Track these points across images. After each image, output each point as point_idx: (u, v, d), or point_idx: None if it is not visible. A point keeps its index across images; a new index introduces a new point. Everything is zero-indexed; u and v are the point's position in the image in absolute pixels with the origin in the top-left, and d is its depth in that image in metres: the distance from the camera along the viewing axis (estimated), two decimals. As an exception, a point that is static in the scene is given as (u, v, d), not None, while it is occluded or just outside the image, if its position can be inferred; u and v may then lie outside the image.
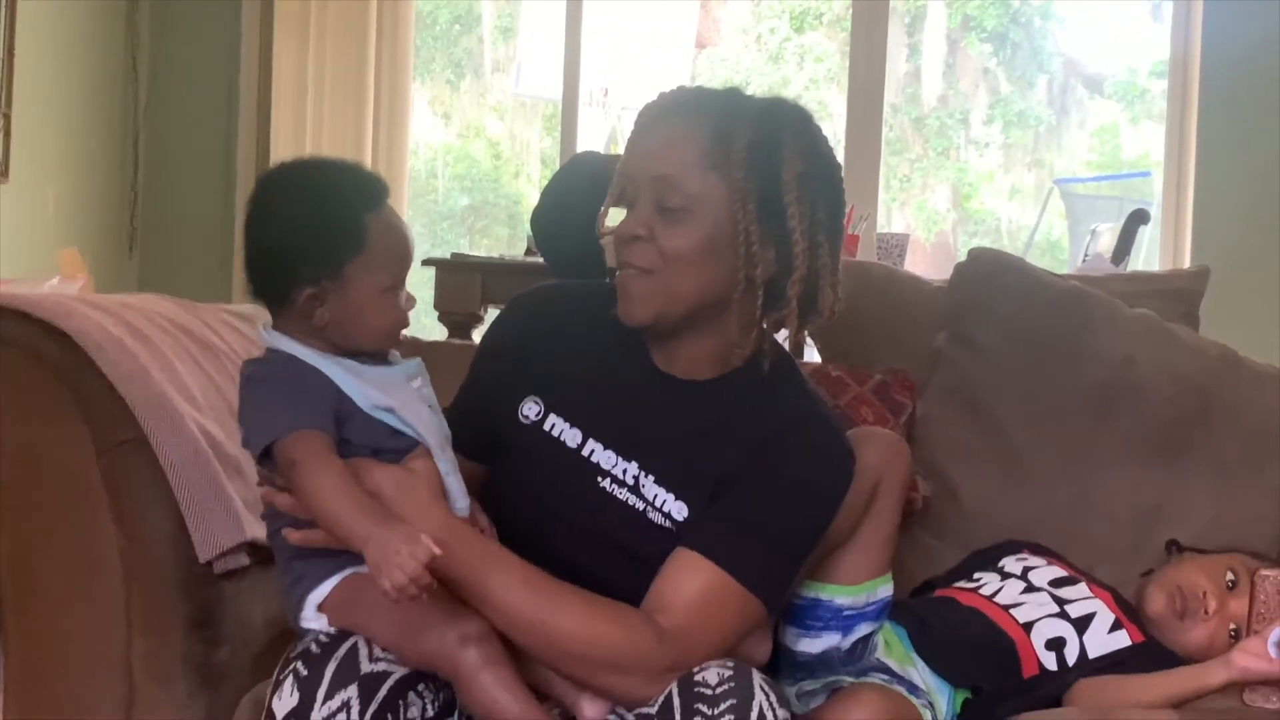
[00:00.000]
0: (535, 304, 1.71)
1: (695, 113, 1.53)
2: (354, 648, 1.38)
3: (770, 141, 1.50)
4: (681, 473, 1.55)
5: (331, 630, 1.42)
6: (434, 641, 1.38)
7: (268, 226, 1.44)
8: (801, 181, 1.50)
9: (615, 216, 1.58)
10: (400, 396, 1.45)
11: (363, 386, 1.42)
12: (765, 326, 1.56)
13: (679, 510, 1.54)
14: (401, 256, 1.47)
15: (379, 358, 1.49)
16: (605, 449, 1.58)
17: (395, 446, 1.44)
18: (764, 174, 1.49)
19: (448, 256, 3.58)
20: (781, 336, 1.60)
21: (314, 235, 1.41)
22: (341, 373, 1.42)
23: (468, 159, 5.75)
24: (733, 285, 1.50)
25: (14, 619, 1.67)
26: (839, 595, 1.75)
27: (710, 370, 1.58)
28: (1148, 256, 4.51)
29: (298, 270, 1.41)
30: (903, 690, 1.70)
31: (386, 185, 1.50)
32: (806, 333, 1.59)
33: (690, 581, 1.46)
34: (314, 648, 1.38)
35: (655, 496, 1.55)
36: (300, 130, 4.72)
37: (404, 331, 1.55)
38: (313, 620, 1.43)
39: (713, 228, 1.49)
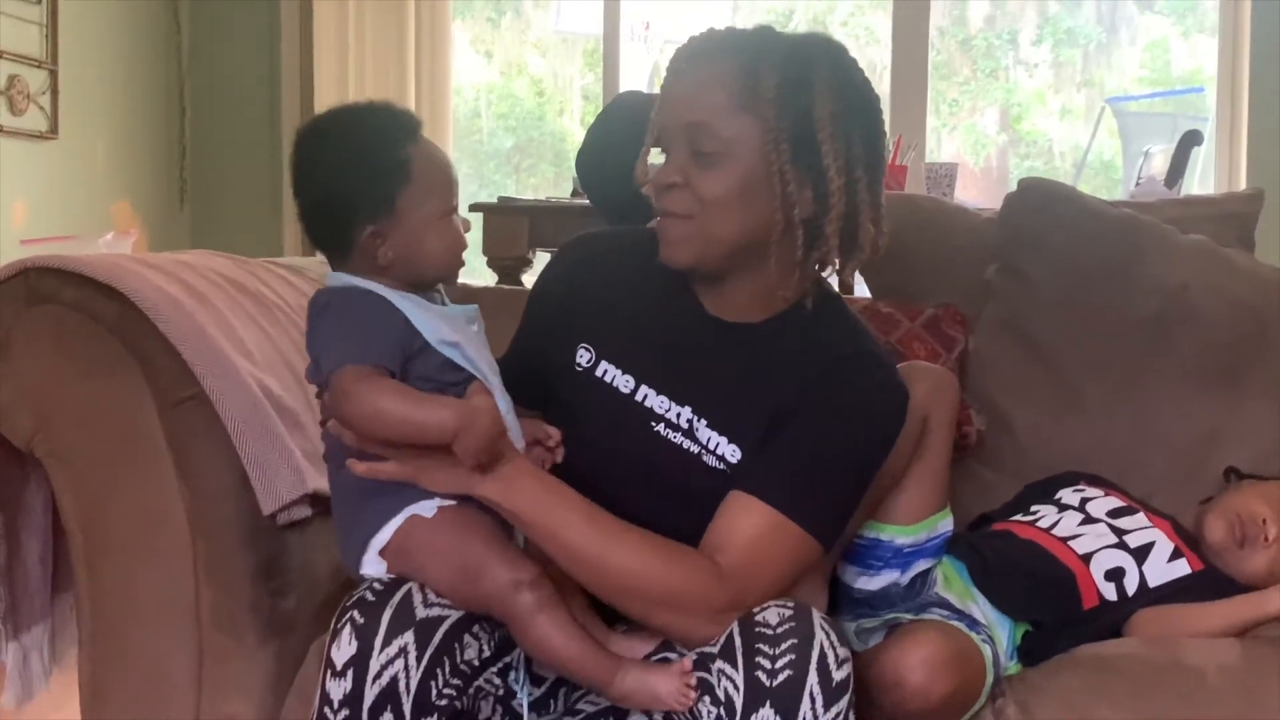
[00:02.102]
0: (582, 253, 1.71)
1: (724, 55, 1.51)
2: (409, 594, 1.40)
3: (800, 79, 1.49)
4: (734, 416, 1.56)
5: (386, 577, 1.44)
6: (489, 586, 1.40)
7: (315, 176, 1.48)
8: (835, 118, 1.49)
9: (657, 161, 1.58)
10: (464, 334, 1.48)
11: (431, 320, 1.45)
12: (808, 267, 1.55)
13: (733, 453, 1.55)
14: (447, 181, 1.51)
15: (438, 301, 1.52)
16: (658, 394, 1.59)
17: (456, 381, 1.46)
18: (796, 112, 1.48)
19: (494, 200, 3.57)
20: (832, 278, 1.60)
21: (363, 174, 1.45)
22: (411, 306, 1.45)
23: (511, 98, 5.73)
24: (771, 226, 1.50)
25: (85, 575, 1.71)
26: (899, 535, 1.76)
27: (759, 313, 1.59)
28: (1202, 176, 4.44)
29: (355, 212, 1.45)
30: (962, 626, 1.71)
31: (419, 118, 1.53)
32: (855, 270, 1.58)
33: (745, 522, 1.48)
34: (369, 595, 1.40)
35: (709, 440, 1.56)
36: (343, 75, 4.71)
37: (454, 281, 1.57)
38: (371, 566, 1.46)
39: (747, 170, 1.48)
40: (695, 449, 1.56)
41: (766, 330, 1.58)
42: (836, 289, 1.63)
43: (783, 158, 1.47)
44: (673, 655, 1.50)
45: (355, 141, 1.47)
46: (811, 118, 1.48)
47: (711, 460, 1.56)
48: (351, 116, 1.51)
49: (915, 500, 1.76)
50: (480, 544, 1.42)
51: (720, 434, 1.56)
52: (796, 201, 1.49)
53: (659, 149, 1.55)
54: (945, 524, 1.80)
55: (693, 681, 1.41)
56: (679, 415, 1.57)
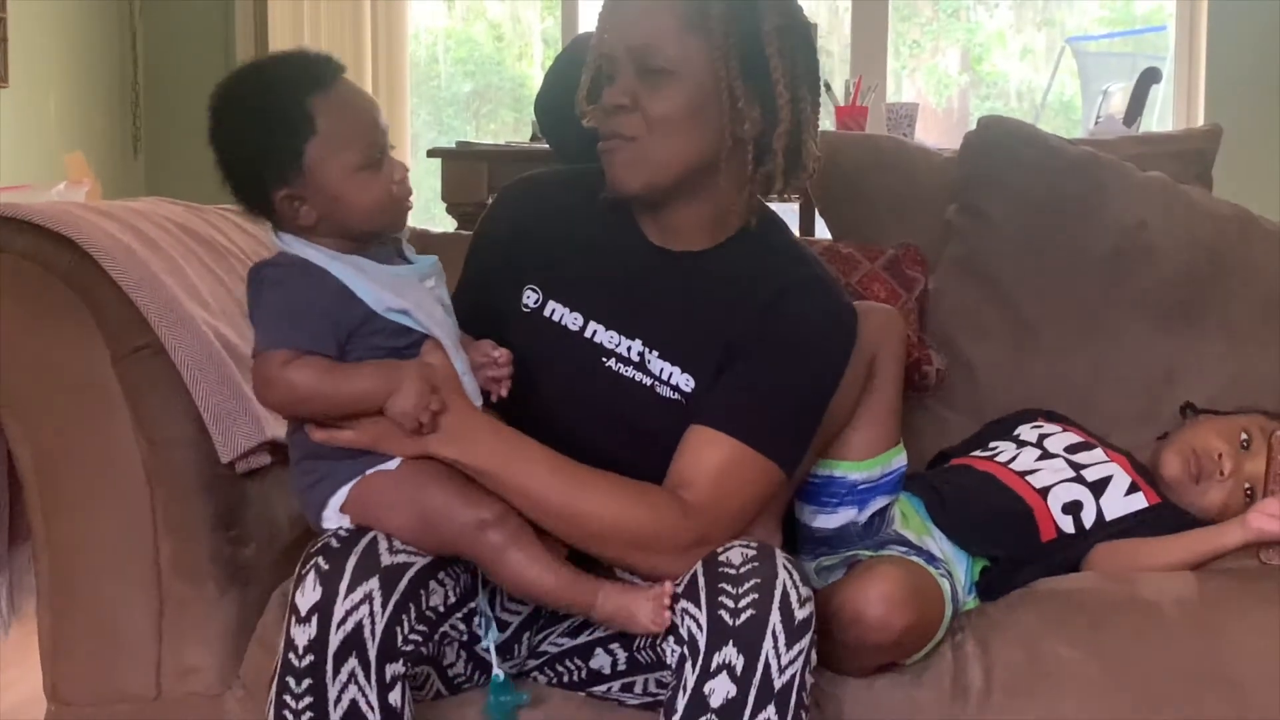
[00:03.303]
0: (522, 194, 1.70)
1: None
2: (374, 541, 1.40)
3: None
4: (686, 345, 1.56)
5: (351, 525, 1.44)
6: (453, 529, 1.40)
7: (224, 138, 1.42)
8: (780, 34, 1.51)
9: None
10: (414, 297, 1.44)
11: (375, 288, 1.41)
12: (756, 184, 1.56)
13: (686, 382, 1.56)
14: (364, 128, 1.43)
15: (393, 254, 1.48)
16: (607, 329, 1.59)
17: (408, 344, 1.44)
18: (743, 30, 1.49)
19: (453, 145, 3.54)
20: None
21: (263, 132, 1.39)
22: (353, 274, 1.41)
23: (469, 42, 5.67)
24: (720, 146, 1.51)
25: (42, 526, 1.70)
26: (852, 471, 1.76)
27: (705, 239, 1.59)
28: (1161, 114, 4.45)
29: (263, 173, 1.40)
30: (920, 561, 1.72)
31: (337, 64, 1.45)
32: (798, 187, 1.61)
33: (708, 456, 1.48)
34: (334, 542, 1.40)
35: (662, 370, 1.56)
36: (298, 20, 4.65)
37: (411, 223, 1.54)
38: (333, 520, 1.45)
39: (696, 89, 1.49)
40: (648, 381, 1.56)
41: (713, 257, 1.59)
42: (798, 216, 1.62)
43: (732, 74, 1.48)
44: None
45: (256, 97, 1.41)
46: (759, 34, 1.50)
47: (665, 391, 1.56)
48: (255, 71, 1.45)
49: (867, 436, 1.77)
50: (439, 490, 1.42)
51: (672, 364, 1.56)
52: (745, 118, 1.50)
53: (601, 82, 1.54)
54: (899, 460, 1.81)
55: (667, 602, 1.42)
56: (629, 349, 1.57)
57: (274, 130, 1.39)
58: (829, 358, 1.57)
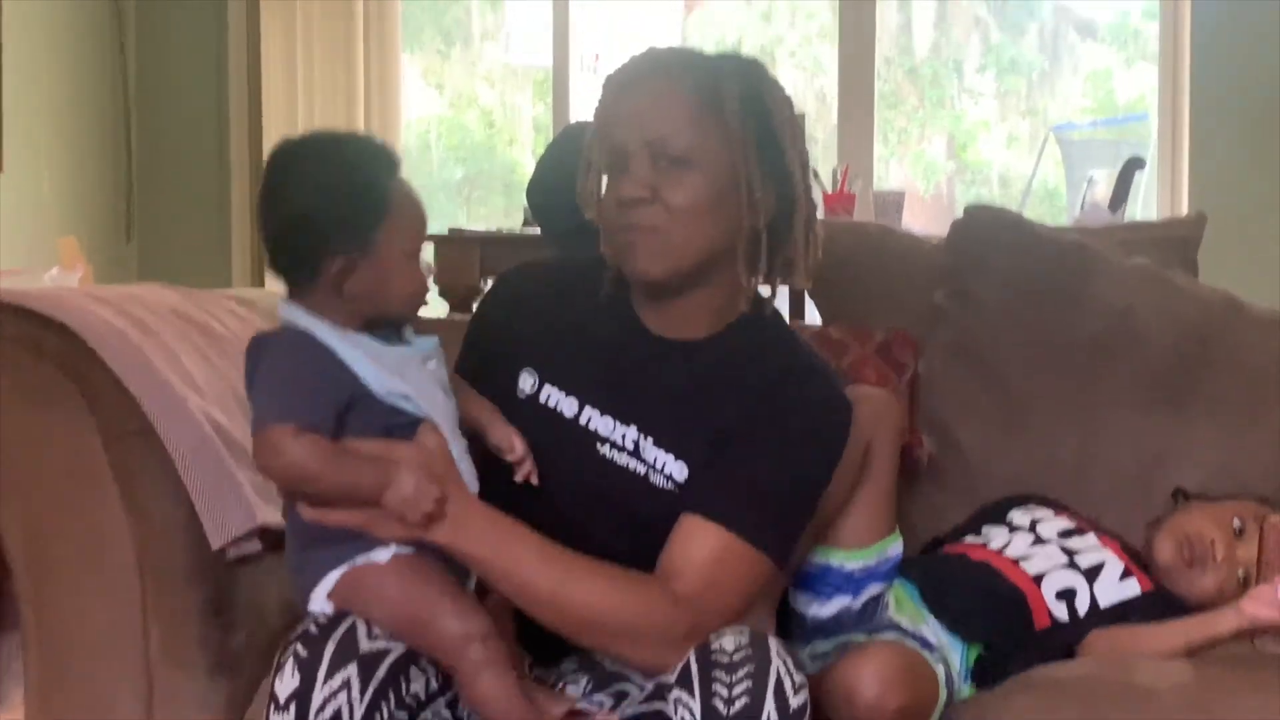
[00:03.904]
0: (520, 280, 1.72)
1: (676, 70, 1.54)
2: (352, 627, 1.39)
3: (756, 89, 1.55)
4: (680, 433, 1.56)
5: (331, 611, 1.43)
6: (438, 636, 1.39)
7: (294, 199, 1.42)
8: (790, 124, 1.56)
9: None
10: (415, 380, 1.45)
11: (378, 370, 1.42)
12: (773, 270, 1.59)
13: (680, 471, 1.55)
14: (421, 223, 1.48)
15: (394, 334, 1.48)
16: (602, 415, 1.59)
17: (404, 424, 1.44)
18: (759, 119, 1.53)
19: (445, 231, 3.57)
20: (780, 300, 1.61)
21: (343, 203, 1.41)
22: (358, 354, 1.41)
23: (461, 129, 5.73)
24: (736, 233, 1.53)
25: (31, 611, 1.68)
26: (849, 560, 1.76)
27: (704, 328, 1.60)
28: (1145, 201, 4.50)
29: (328, 240, 1.41)
30: (915, 645, 1.71)
31: (400, 155, 1.49)
32: (811, 272, 1.62)
33: (699, 546, 1.48)
34: (313, 629, 1.39)
35: (656, 459, 1.56)
36: (292, 107, 4.69)
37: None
38: (319, 605, 1.44)
39: (715, 178, 1.51)
40: (642, 469, 1.56)
41: (709, 346, 1.59)
42: (789, 302, 1.64)
43: (750, 163, 1.51)
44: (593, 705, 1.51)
45: (339, 167, 1.43)
46: (771, 123, 1.54)
47: (659, 480, 1.56)
48: (335, 141, 1.48)
49: (863, 524, 1.77)
50: (432, 593, 1.41)
51: (667, 452, 1.56)
52: (762, 206, 1.53)
53: (611, 174, 1.55)
54: (895, 547, 1.81)
55: None
56: (624, 436, 1.58)
57: (353, 203, 1.41)
58: (823, 448, 1.57)
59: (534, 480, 1.54)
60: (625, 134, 1.53)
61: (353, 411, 1.41)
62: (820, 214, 3.30)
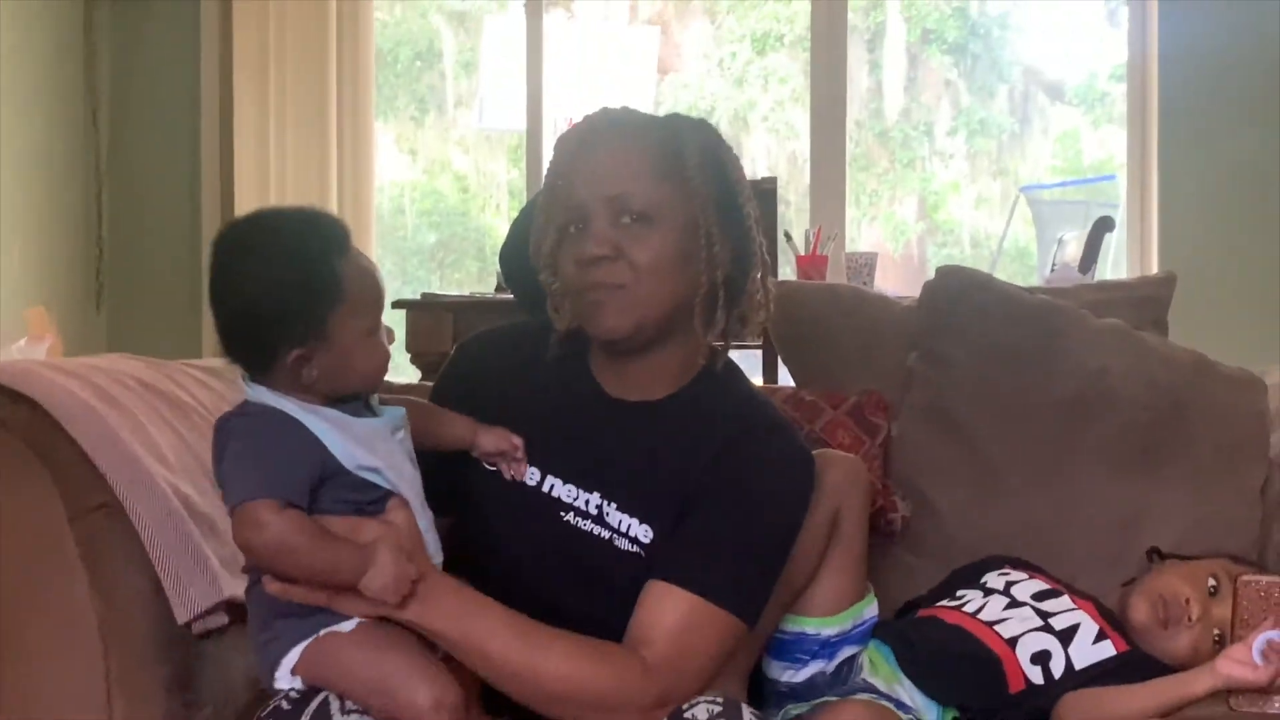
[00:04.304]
0: (479, 349, 1.74)
1: (636, 130, 1.57)
2: (325, 702, 1.38)
3: (713, 148, 1.58)
4: (643, 496, 1.56)
5: (299, 686, 1.41)
6: (407, 703, 1.37)
7: (241, 290, 1.39)
8: (744, 183, 1.59)
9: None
10: (384, 452, 1.44)
11: (348, 444, 1.40)
12: (730, 325, 1.61)
13: (645, 534, 1.55)
14: (377, 297, 1.45)
15: (360, 405, 1.47)
16: (565, 483, 1.59)
17: (374, 499, 1.43)
18: (716, 176, 1.56)
19: (418, 296, 3.57)
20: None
21: (293, 294, 1.37)
22: (327, 428, 1.39)
23: (435, 194, 5.74)
24: (696, 289, 1.55)
25: (-7, 690, 1.65)
26: (823, 627, 1.75)
27: (662, 389, 1.61)
28: (1115, 260, 4.53)
29: (281, 332, 1.37)
30: (890, 706, 1.70)
31: (348, 228, 1.45)
32: (764, 326, 1.65)
33: (668, 612, 1.47)
34: (285, 704, 1.38)
35: (620, 523, 1.56)
36: (264, 176, 4.70)
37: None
38: (285, 681, 1.43)
39: (677, 233, 1.53)
40: (606, 534, 1.56)
41: (668, 407, 1.60)
42: (762, 364, 1.64)
43: (709, 220, 1.53)
44: None
45: (284, 256, 1.38)
46: (729, 180, 1.57)
47: (624, 543, 1.55)
48: (277, 226, 1.43)
49: (835, 590, 1.76)
50: (400, 657, 1.39)
51: (630, 515, 1.56)
52: (720, 261, 1.55)
53: (570, 233, 1.56)
54: (870, 610, 1.80)
55: None
56: (587, 502, 1.57)
57: (303, 294, 1.37)
58: (787, 505, 1.58)
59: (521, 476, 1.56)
60: (585, 192, 1.53)
61: (324, 487, 1.40)
62: (793, 276, 3.33)
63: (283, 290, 1.37)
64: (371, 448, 1.42)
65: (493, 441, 1.57)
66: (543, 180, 1.61)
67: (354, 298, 1.40)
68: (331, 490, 1.40)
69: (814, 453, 1.73)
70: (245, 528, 1.36)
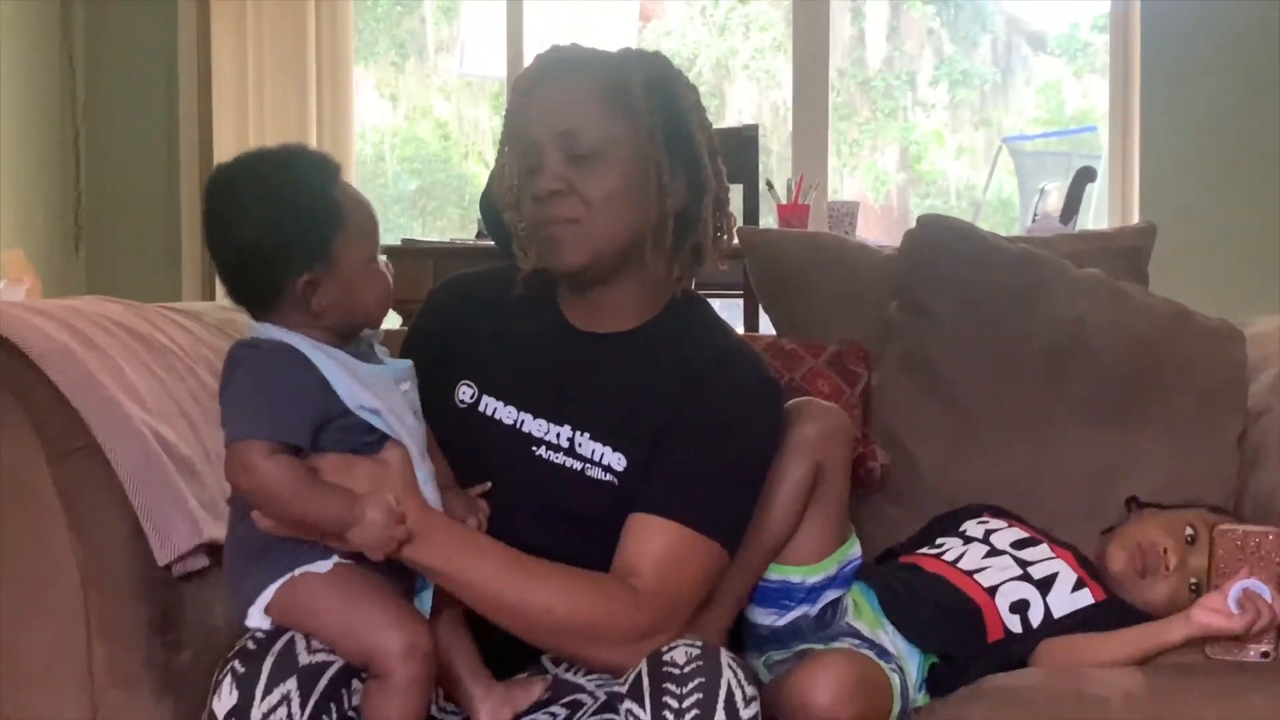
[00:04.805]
0: (451, 293, 1.75)
1: (582, 66, 1.58)
2: (291, 641, 1.39)
3: (662, 78, 1.58)
4: (614, 424, 1.58)
5: (269, 628, 1.42)
6: (380, 648, 1.37)
7: (245, 224, 1.40)
8: (697, 109, 1.60)
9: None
10: (387, 398, 1.45)
11: (352, 385, 1.41)
12: (684, 255, 1.61)
13: (618, 461, 1.57)
14: (374, 225, 1.48)
15: (369, 353, 1.48)
16: (536, 418, 1.61)
17: (371, 441, 1.44)
18: (665, 107, 1.56)
19: (398, 243, 3.55)
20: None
21: (296, 221, 1.40)
22: (335, 367, 1.40)
23: (415, 141, 5.71)
24: (649, 220, 1.56)
25: (-29, 632, 1.65)
26: (809, 575, 1.75)
27: (630, 320, 1.63)
28: (1096, 211, 4.54)
29: (288, 260, 1.40)
30: (872, 654, 1.71)
31: (337, 159, 1.49)
32: (721, 256, 1.65)
33: (652, 542, 1.49)
34: (250, 644, 1.39)
35: (593, 452, 1.58)
36: (243, 120, 4.66)
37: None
38: (256, 619, 1.43)
39: (627, 166, 1.54)
40: (578, 465, 1.58)
41: (636, 337, 1.62)
42: (743, 313, 1.64)
43: (658, 150, 1.54)
44: None
45: (284, 186, 1.41)
46: (680, 110, 1.57)
47: (596, 472, 1.57)
48: (273, 161, 1.45)
49: (820, 538, 1.76)
50: (374, 601, 1.40)
51: (602, 444, 1.58)
52: (671, 192, 1.56)
53: (526, 170, 1.57)
54: (854, 552, 1.80)
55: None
56: (559, 435, 1.60)
57: (307, 218, 1.40)
58: (757, 431, 1.60)
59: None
60: (536, 130, 1.55)
61: (325, 429, 1.40)
62: (775, 224, 3.31)
63: (285, 218, 1.40)
64: (374, 391, 1.43)
65: (458, 510, 1.54)
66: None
67: (353, 223, 1.43)
68: (332, 431, 1.41)
69: (796, 402, 1.75)
70: (235, 468, 1.37)
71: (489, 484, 1.58)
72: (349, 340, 1.45)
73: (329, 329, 1.43)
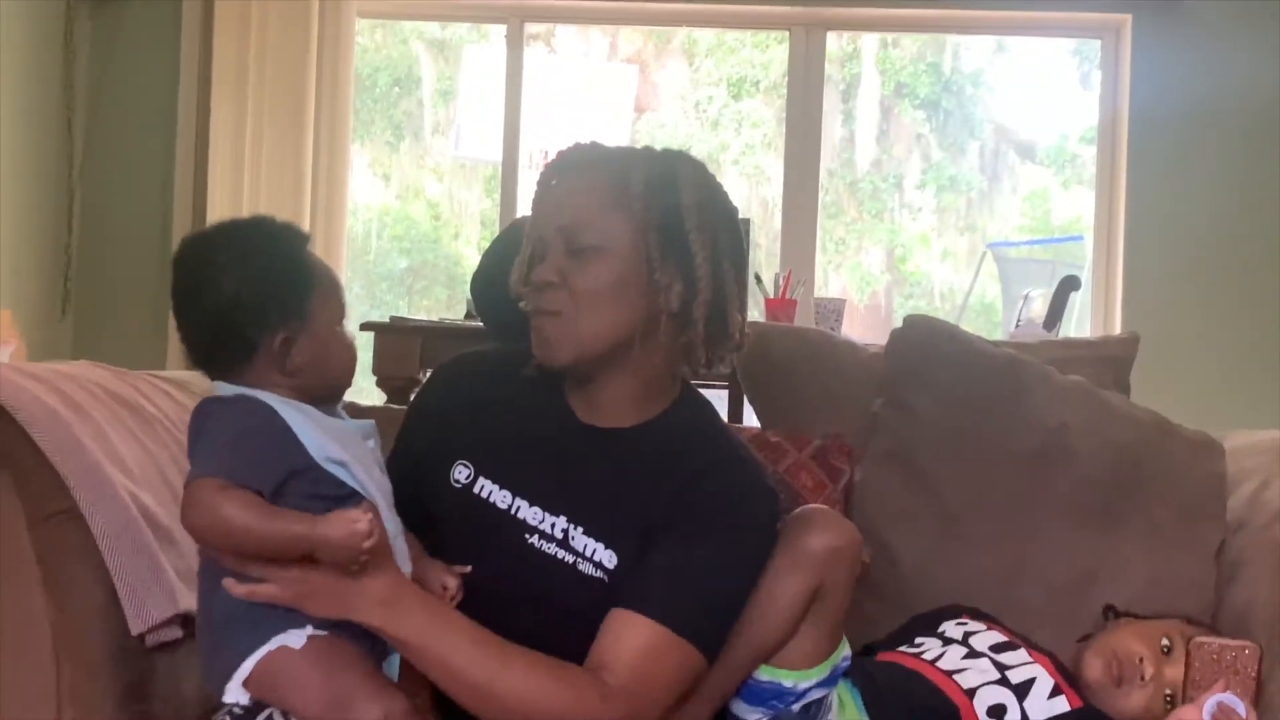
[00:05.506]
0: (458, 371, 1.75)
1: (593, 163, 1.60)
2: (269, 719, 1.37)
3: (666, 175, 1.58)
4: (609, 521, 1.57)
5: (247, 703, 1.40)
6: (356, 717, 1.37)
7: (220, 286, 1.43)
8: (700, 209, 1.57)
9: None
10: (354, 452, 1.46)
11: (320, 437, 1.42)
12: (676, 354, 1.61)
13: (609, 559, 1.56)
14: (341, 290, 1.52)
15: (335, 414, 1.50)
16: (531, 506, 1.60)
17: (340, 497, 1.43)
18: (664, 204, 1.56)
19: (387, 320, 3.55)
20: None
21: (275, 279, 1.44)
22: (301, 419, 1.42)
23: (407, 220, 5.74)
24: (643, 319, 1.56)
25: (-60, 695, 1.63)
26: (802, 680, 1.71)
27: (632, 416, 1.62)
28: (1079, 321, 4.58)
29: (266, 317, 1.43)
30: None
31: (306, 232, 1.54)
32: (724, 359, 1.64)
33: (630, 639, 1.48)
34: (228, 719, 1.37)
35: (585, 547, 1.57)
36: (238, 192, 4.68)
37: (344, 396, 1.56)
38: (234, 694, 1.42)
39: (621, 264, 1.55)
40: (570, 559, 1.57)
41: (638, 435, 1.61)
42: (728, 405, 1.64)
43: (650, 246, 1.54)
44: None
45: (261, 247, 1.46)
46: (679, 209, 1.56)
47: (587, 568, 1.56)
48: (247, 225, 1.51)
49: (814, 646, 1.70)
50: (350, 675, 1.39)
51: (595, 540, 1.57)
52: (662, 290, 1.55)
53: (534, 258, 1.59)
54: (844, 654, 1.78)
55: None
56: (553, 525, 1.58)
57: (284, 277, 1.44)
58: (750, 539, 1.59)
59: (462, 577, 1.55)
60: (543, 222, 1.58)
61: (291, 481, 1.40)
62: (760, 317, 3.33)
63: (263, 276, 1.43)
64: (342, 444, 1.44)
65: (431, 581, 1.54)
66: (516, 211, 1.65)
67: (324, 285, 1.48)
68: (300, 485, 1.41)
69: (806, 510, 1.71)
70: (187, 506, 1.38)
71: (469, 568, 1.57)
72: (317, 405, 1.47)
73: (298, 389, 1.45)
